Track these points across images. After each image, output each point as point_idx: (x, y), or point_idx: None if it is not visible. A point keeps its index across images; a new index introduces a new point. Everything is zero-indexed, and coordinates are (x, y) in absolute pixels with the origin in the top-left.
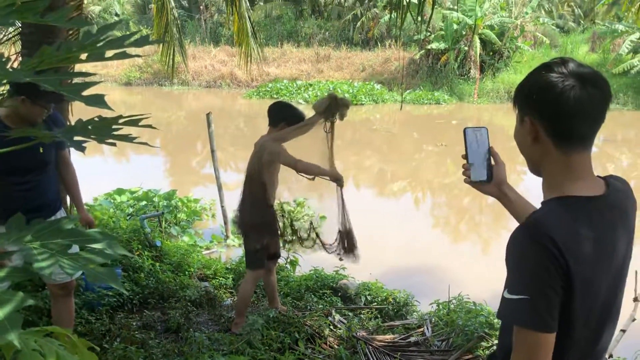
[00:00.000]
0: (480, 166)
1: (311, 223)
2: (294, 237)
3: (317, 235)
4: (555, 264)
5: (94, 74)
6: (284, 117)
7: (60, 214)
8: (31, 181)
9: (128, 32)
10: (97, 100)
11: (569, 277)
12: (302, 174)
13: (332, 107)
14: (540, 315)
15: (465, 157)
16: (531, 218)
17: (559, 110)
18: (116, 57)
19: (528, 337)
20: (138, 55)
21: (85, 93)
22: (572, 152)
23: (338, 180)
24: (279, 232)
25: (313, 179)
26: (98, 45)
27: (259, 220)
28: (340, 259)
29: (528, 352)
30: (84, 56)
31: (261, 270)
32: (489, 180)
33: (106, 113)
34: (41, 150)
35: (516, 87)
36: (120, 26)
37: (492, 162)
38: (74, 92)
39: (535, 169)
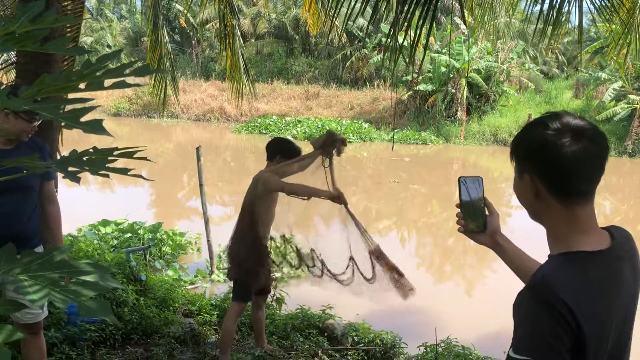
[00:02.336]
0: (474, 216)
1: (312, 250)
2: (300, 264)
3: (323, 263)
4: (565, 327)
5: (92, 99)
6: (279, 150)
7: (39, 250)
8: (7, 204)
9: (119, 64)
10: (95, 126)
11: (580, 337)
12: (294, 195)
13: (329, 143)
14: None
15: (460, 206)
16: (539, 277)
17: (557, 168)
18: (115, 86)
19: None
20: (137, 85)
21: (83, 119)
22: (574, 206)
23: (338, 197)
24: (269, 266)
25: (308, 199)
26: (97, 74)
27: (247, 253)
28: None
29: None
30: (82, 85)
31: (245, 304)
32: (483, 230)
33: (100, 140)
34: (25, 172)
35: (513, 142)
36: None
37: (486, 212)
38: (72, 119)
39: (536, 219)
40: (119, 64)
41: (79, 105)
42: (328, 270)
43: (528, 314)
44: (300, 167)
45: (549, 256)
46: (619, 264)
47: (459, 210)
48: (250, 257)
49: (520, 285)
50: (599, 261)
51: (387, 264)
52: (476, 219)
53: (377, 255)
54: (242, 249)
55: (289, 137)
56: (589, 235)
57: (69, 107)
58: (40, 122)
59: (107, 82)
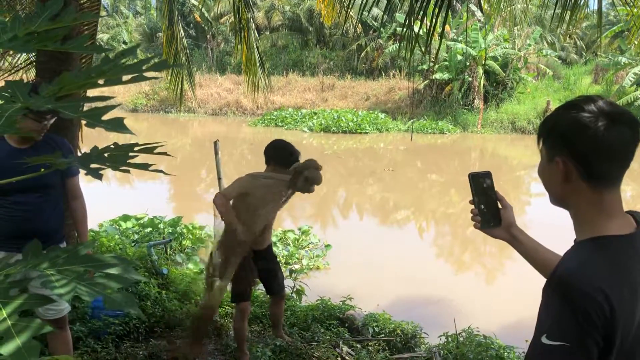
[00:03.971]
0: (488, 211)
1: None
2: None
3: None
4: (600, 314)
5: (113, 97)
6: (273, 157)
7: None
8: (28, 203)
9: (136, 60)
10: (117, 125)
11: (613, 324)
12: (215, 204)
13: (297, 177)
14: None
15: (473, 202)
16: (573, 264)
17: (593, 151)
18: (133, 80)
19: None
20: (155, 77)
21: (104, 117)
22: (604, 190)
23: (239, 242)
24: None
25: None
26: (117, 70)
27: (228, 257)
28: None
29: None
30: (101, 81)
31: (244, 303)
32: (498, 224)
33: (119, 137)
34: (42, 170)
35: (544, 125)
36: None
37: (499, 205)
38: (94, 118)
39: (560, 204)
40: (135, 60)
41: (100, 104)
42: None
43: (563, 301)
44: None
45: (576, 241)
46: None
47: (472, 207)
48: (227, 265)
49: (538, 274)
50: (626, 245)
51: None
52: (490, 214)
53: None
54: (226, 252)
55: (305, 130)
56: (617, 219)
57: (89, 106)
58: (53, 120)
59: (125, 77)
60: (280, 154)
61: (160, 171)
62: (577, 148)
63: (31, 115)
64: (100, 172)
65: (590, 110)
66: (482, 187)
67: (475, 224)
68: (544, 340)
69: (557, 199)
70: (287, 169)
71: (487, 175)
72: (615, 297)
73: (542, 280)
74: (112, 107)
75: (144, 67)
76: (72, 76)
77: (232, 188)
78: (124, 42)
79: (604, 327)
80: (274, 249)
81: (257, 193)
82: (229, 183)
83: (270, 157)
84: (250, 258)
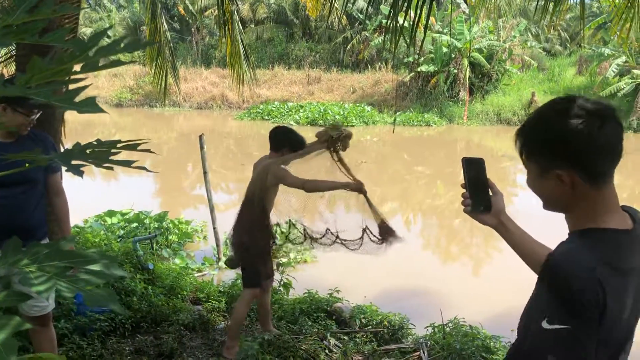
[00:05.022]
0: (478, 196)
1: (328, 229)
2: (304, 239)
3: (337, 234)
4: (595, 297)
5: (85, 78)
6: (287, 142)
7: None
8: (11, 197)
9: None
10: (89, 104)
11: (604, 310)
12: (313, 192)
13: (335, 138)
14: (583, 345)
15: (465, 186)
16: (572, 248)
17: (594, 155)
18: (110, 65)
19: None
20: (132, 62)
21: (77, 99)
22: (604, 187)
23: (359, 188)
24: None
25: (323, 196)
26: (90, 54)
27: (256, 241)
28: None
29: None
30: (77, 68)
31: (257, 289)
32: (488, 210)
33: (103, 132)
34: (27, 165)
35: (529, 136)
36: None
37: (490, 192)
38: (66, 101)
39: (560, 210)
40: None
41: (73, 86)
42: (340, 239)
43: (561, 285)
44: (302, 157)
45: (573, 231)
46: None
47: (464, 190)
48: (260, 244)
49: (523, 265)
50: (626, 240)
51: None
52: (480, 199)
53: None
54: (251, 237)
55: (292, 123)
56: (615, 214)
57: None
58: (39, 114)
59: (102, 62)
60: (295, 138)
61: (144, 168)
62: (579, 156)
63: (20, 109)
64: (82, 168)
65: (578, 114)
66: (474, 172)
67: (465, 208)
68: (545, 325)
69: (560, 208)
70: (297, 150)
71: (480, 161)
72: (610, 286)
73: (527, 271)
74: (84, 87)
75: (117, 48)
76: (43, 63)
77: (290, 176)
78: (108, 36)
79: (598, 310)
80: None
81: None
82: (215, 177)
83: (285, 143)
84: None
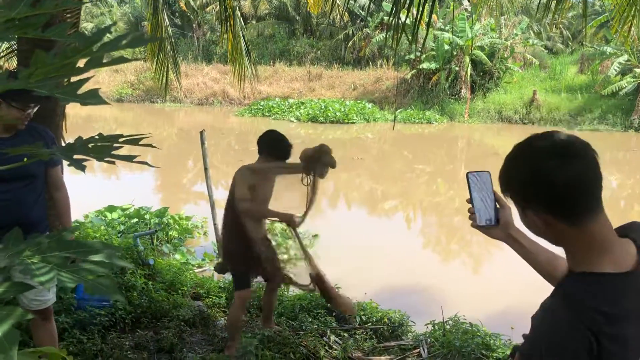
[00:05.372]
0: (485, 210)
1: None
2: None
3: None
4: (587, 347)
5: (88, 70)
6: (266, 147)
7: None
8: (11, 192)
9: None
10: (91, 96)
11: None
12: (250, 213)
13: (315, 161)
14: None
15: (470, 201)
16: (563, 294)
17: (554, 195)
18: (115, 62)
19: None
20: (136, 59)
21: (80, 91)
22: (587, 224)
23: (288, 221)
24: (272, 255)
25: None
26: (93, 48)
27: (235, 248)
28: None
29: None
30: (81, 64)
31: (247, 291)
32: (496, 223)
33: (104, 127)
34: (25, 160)
35: (502, 178)
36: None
37: (497, 205)
38: (69, 93)
39: (556, 244)
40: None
41: (75, 79)
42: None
43: (549, 334)
44: (279, 172)
45: (570, 271)
46: None
47: (470, 205)
48: (241, 249)
49: (524, 263)
50: (623, 284)
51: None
52: (487, 213)
53: (317, 280)
54: (231, 245)
55: (293, 120)
56: (611, 252)
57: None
58: (36, 109)
59: (107, 59)
60: (275, 145)
61: (146, 163)
62: (540, 198)
63: (15, 104)
64: (84, 163)
65: (536, 156)
66: (479, 186)
67: (472, 223)
68: None
69: (551, 242)
70: (280, 159)
71: (486, 174)
72: (604, 338)
73: (527, 269)
74: (87, 79)
75: (121, 44)
76: (47, 57)
77: (242, 189)
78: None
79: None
80: None
81: (267, 184)
82: (216, 173)
83: (265, 147)
84: (263, 245)
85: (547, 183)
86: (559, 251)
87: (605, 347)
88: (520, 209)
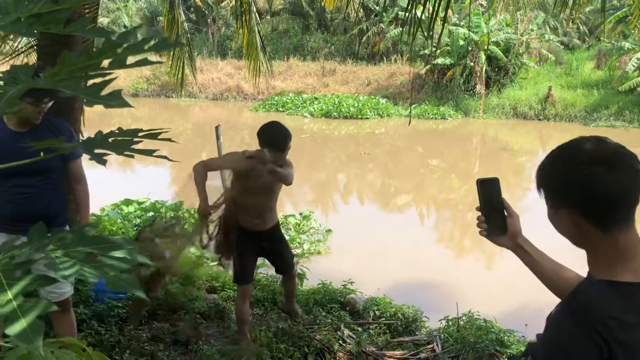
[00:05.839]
0: (494, 218)
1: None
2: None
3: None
4: (598, 353)
5: (111, 72)
6: (263, 139)
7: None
8: (29, 186)
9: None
10: (115, 98)
11: None
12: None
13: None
14: None
15: (480, 209)
16: (579, 299)
17: (595, 201)
18: (137, 64)
19: None
20: (159, 62)
21: (103, 92)
22: (618, 234)
23: (201, 212)
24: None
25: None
26: (118, 51)
27: (224, 240)
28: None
29: None
30: (104, 64)
31: (246, 285)
32: (504, 232)
33: (121, 122)
34: (42, 154)
35: (539, 175)
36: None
37: (506, 213)
38: (92, 94)
39: (579, 247)
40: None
41: (98, 80)
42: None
43: (562, 338)
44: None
45: (590, 276)
46: None
47: (479, 213)
48: (229, 243)
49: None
50: None
51: None
52: (496, 221)
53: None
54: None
55: (306, 115)
56: (633, 261)
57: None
58: (50, 104)
59: (130, 60)
60: (272, 136)
61: (165, 157)
62: (578, 201)
63: (28, 99)
64: (104, 157)
65: (583, 160)
66: (489, 193)
67: (480, 231)
68: None
69: (575, 244)
70: (279, 150)
71: (495, 181)
72: (618, 346)
73: None
74: (110, 80)
75: (145, 47)
76: (73, 57)
77: (217, 159)
78: (125, 26)
79: None
80: None
81: (244, 172)
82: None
83: (262, 139)
84: (249, 238)
85: (590, 188)
86: (565, 261)
87: (618, 354)
88: (552, 207)
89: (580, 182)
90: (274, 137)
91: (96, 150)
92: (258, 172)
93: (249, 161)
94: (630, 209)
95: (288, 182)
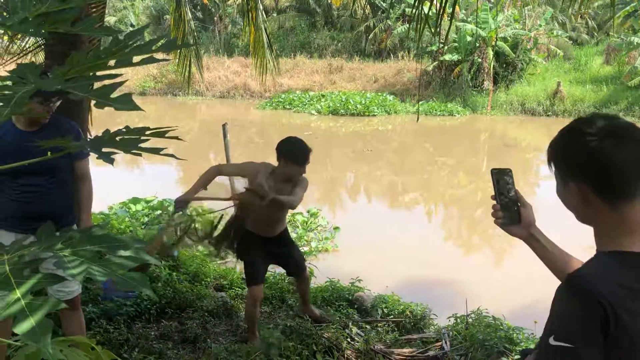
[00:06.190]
0: (508, 207)
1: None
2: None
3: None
4: (603, 321)
5: (121, 74)
6: (284, 153)
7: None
8: (36, 185)
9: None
10: (125, 101)
11: (618, 333)
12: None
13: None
14: None
15: (495, 198)
16: (583, 270)
17: (604, 173)
18: (143, 62)
19: None
20: (165, 60)
21: (114, 95)
22: (624, 208)
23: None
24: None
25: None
26: (126, 51)
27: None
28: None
29: None
30: (111, 63)
31: (256, 286)
32: (518, 222)
33: (128, 120)
34: (50, 153)
35: (550, 149)
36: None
37: (519, 203)
38: (103, 96)
39: (585, 222)
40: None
41: (107, 82)
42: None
43: (567, 304)
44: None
45: (597, 253)
46: None
47: (494, 202)
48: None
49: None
50: None
51: None
52: (510, 211)
53: None
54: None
55: (313, 112)
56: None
57: (98, 86)
58: (59, 103)
59: (136, 58)
60: (291, 151)
61: (172, 155)
62: (587, 173)
63: (37, 98)
64: (112, 156)
65: (594, 133)
66: (503, 183)
67: (495, 220)
68: (551, 341)
69: (580, 219)
70: (300, 165)
71: (508, 172)
72: (622, 309)
73: None
74: (120, 83)
75: (153, 47)
76: (82, 57)
77: (232, 168)
78: (132, 25)
79: (608, 336)
80: None
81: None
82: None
83: (284, 153)
84: (258, 243)
85: (600, 161)
86: (575, 253)
87: (625, 322)
88: (561, 180)
89: (590, 154)
90: (293, 151)
91: (104, 149)
92: (258, 204)
93: (249, 194)
94: (638, 183)
95: (292, 207)
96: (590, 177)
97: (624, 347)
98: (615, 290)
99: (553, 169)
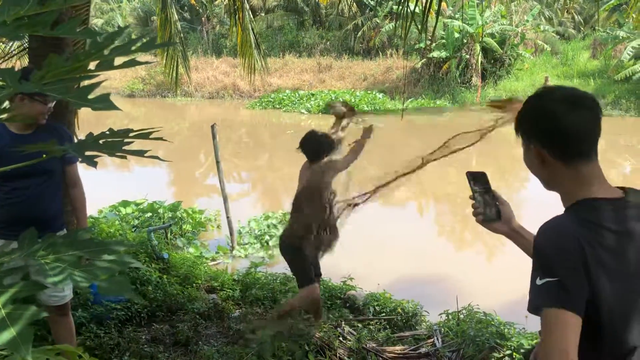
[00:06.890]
0: (487, 206)
1: None
2: None
3: None
4: (578, 249)
5: (99, 74)
6: (323, 148)
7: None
8: (29, 188)
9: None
10: (102, 101)
11: (593, 267)
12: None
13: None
14: (570, 294)
15: (473, 197)
16: (551, 219)
17: (557, 135)
18: (125, 65)
19: (559, 316)
20: (147, 62)
21: (91, 96)
22: (580, 165)
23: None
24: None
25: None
26: (105, 52)
27: (310, 242)
28: None
29: (558, 332)
30: (92, 66)
31: (314, 284)
32: (498, 218)
33: (115, 123)
34: (44, 157)
35: (519, 114)
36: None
37: (497, 202)
38: (81, 97)
39: (549, 186)
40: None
41: (86, 83)
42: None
43: (546, 245)
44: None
45: (565, 209)
46: (632, 214)
47: (473, 201)
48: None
49: None
50: (612, 206)
51: None
52: (489, 209)
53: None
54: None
55: (303, 112)
56: (599, 186)
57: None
58: (54, 103)
59: (118, 61)
60: (329, 142)
61: (157, 157)
62: (544, 133)
63: (38, 97)
64: (96, 159)
65: (552, 98)
66: (479, 184)
67: (476, 218)
68: (537, 281)
69: (543, 182)
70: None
71: (483, 174)
72: (599, 246)
73: None
74: (98, 84)
75: (132, 48)
76: (60, 60)
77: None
78: (118, 27)
79: (586, 268)
80: (275, 230)
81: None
82: (227, 166)
83: (322, 149)
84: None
85: (555, 124)
86: None
87: (602, 257)
88: (524, 143)
89: (547, 118)
90: (329, 141)
91: (87, 153)
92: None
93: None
94: (590, 146)
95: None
96: (546, 138)
97: (601, 279)
98: (587, 227)
99: (519, 136)
